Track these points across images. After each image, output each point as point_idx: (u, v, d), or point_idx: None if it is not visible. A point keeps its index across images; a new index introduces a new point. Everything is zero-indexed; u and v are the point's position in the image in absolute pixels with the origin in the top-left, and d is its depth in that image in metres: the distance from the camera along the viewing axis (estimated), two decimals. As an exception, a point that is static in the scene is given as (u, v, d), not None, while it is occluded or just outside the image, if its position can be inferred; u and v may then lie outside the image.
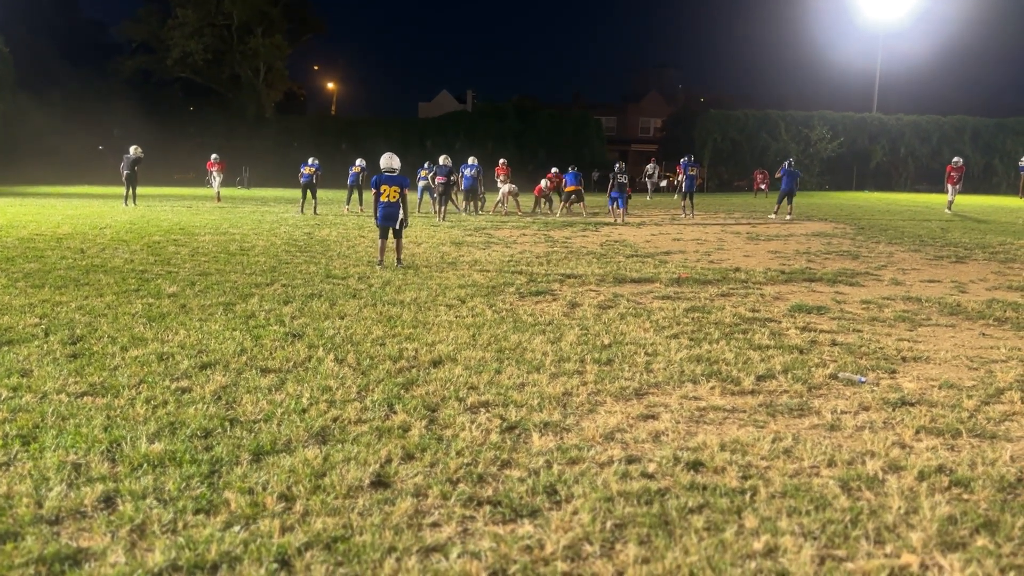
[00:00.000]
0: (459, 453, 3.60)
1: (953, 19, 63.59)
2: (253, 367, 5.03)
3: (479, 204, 22.17)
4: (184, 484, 3.18)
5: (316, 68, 76.12)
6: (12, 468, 3.32)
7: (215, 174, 26.79)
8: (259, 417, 4.04)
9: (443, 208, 19.42)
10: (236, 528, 2.83)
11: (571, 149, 48.17)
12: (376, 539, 2.77)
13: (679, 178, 24.86)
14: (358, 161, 22.18)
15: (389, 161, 10.17)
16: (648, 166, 34.76)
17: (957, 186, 23.53)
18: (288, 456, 3.52)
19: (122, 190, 22.50)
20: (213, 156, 27.49)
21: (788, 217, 20.54)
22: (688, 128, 52.62)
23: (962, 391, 4.75)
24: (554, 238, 14.96)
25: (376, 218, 10.15)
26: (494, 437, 3.82)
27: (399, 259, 10.31)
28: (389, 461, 3.49)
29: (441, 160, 20.00)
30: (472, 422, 4.04)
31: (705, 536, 2.84)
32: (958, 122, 53.64)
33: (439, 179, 19.40)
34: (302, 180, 21.11)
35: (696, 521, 2.95)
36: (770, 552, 2.73)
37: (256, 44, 52.97)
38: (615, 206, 19.70)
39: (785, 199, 20.85)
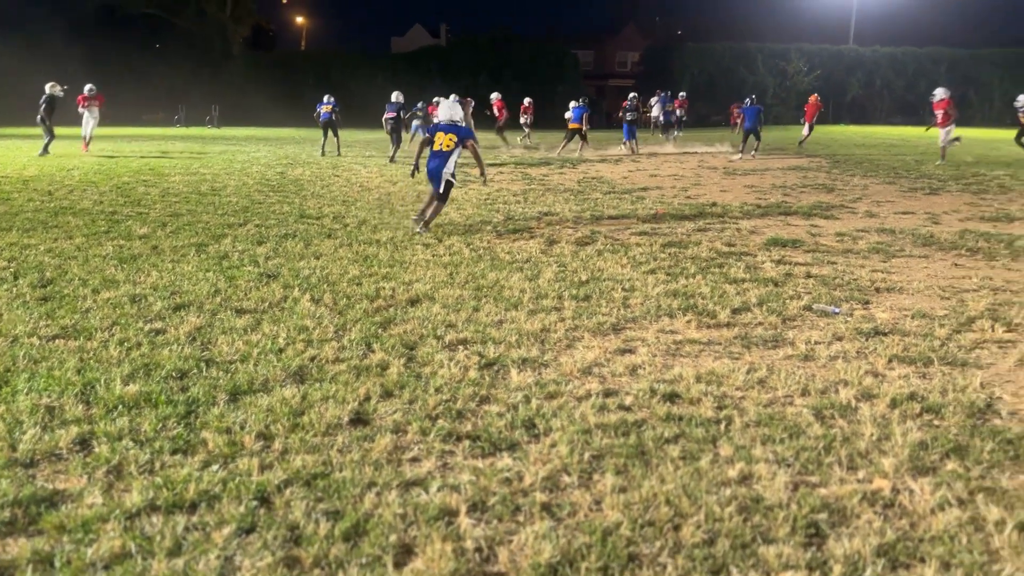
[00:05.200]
0: (438, 390, 3.60)
1: (932, -53, 62.65)
2: (228, 308, 4.98)
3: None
4: (160, 425, 3.16)
5: (284, 1, 73.77)
6: (-16, 412, 3.27)
7: (89, 111, 19.80)
8: (235, 357, 4.01)
9: (394, 147, 18.30)
10: (214, 467, 2.82)
11: (548, 84, 47.40)
12: (356, 475, 2.78)
13: (654, 114, 24.94)
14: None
15: (450, 110, 8.51)
16: (652, 99, 29.50)
17: (949, 127, 17.64)
18: (266, 396, 3.50)
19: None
20: (87, 87, 19.93)
21: (752, 154, 19.39)
22: (665, 62, 51.89)
23: (934, 320, 4.82)
24: (531, 176, 14.84)
25: (427, 169, 8.30)
26: (472, 374, 3.83)
27: (426, 217, 8.29)
28: (368, 399, 3.49)
29: (393, 97, 18.93)
30: (450, 359, 4.04)
31: (681, 465, 2.88)
32: (934, 53, 53.41)
33: (388, 115, 18.46)
34: (321, 119, 19.51)
35: (672, 451, 2.99)
36: (745, 479, 2.78)
37: (222, -25, 51.21)
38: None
39: (751, 136, 19.43)
